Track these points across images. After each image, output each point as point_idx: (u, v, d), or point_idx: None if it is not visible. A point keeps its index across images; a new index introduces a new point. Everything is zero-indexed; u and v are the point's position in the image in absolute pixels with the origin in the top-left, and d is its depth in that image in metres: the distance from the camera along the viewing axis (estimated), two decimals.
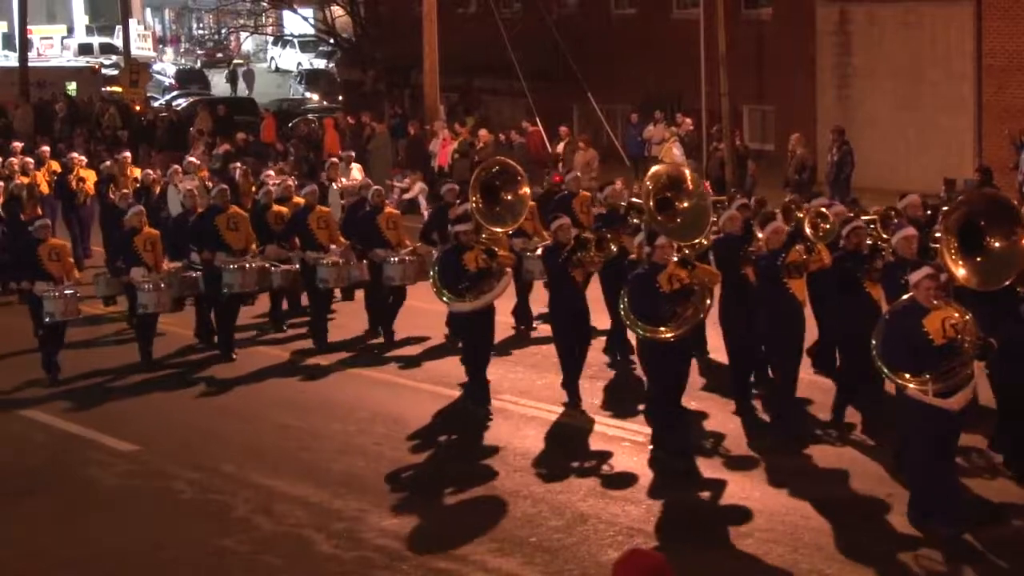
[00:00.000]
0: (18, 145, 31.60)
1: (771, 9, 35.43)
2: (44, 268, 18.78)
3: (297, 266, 20.40)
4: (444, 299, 16.98)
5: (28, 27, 54.03)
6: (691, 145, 31.62)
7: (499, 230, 17.40)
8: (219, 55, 71.23)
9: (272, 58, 71.26)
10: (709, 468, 14.60)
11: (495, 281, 16.73)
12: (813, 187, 27.59)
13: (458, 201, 20.19)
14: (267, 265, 20.12)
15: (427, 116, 35.33)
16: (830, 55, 33.50)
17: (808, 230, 16.01)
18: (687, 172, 15.79)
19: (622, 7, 39.99)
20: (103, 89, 50.14)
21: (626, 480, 14.30)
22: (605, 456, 15.10)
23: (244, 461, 15.38)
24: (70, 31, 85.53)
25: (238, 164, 27.87)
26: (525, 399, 17.25)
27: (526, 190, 17.64)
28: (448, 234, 19.27)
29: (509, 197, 17.38)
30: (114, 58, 64.43)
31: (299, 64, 65.04)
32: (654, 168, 16.52)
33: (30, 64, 50.41)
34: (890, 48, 32.04)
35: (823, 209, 16.72)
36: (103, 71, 55.02)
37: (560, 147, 32.13)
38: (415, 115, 37.94)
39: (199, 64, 70.66)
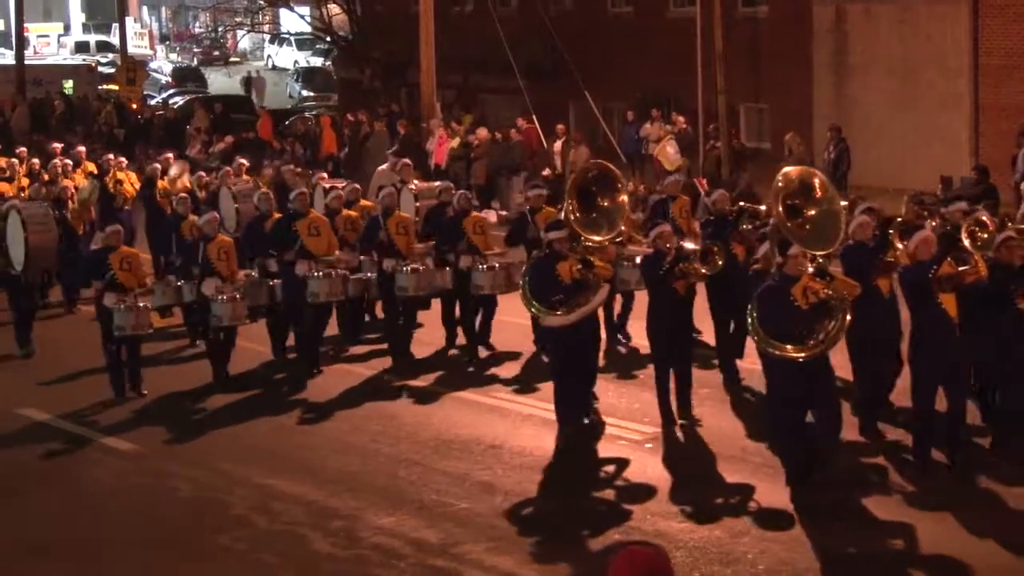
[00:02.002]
0: (58, 146, 30.05)
1: (767, 7, 35.43)
2: (115, 278, 17.72)
3: (371, 275, 19.31)
4: (535, 311, 15.96)
5: (24, 25, 54.01)
6: (688, 143, 31.61)
7: (595, 238, 16.13)
8: (216, 53, 71.19)
9: (269, 56, 71.20)
10: (706, 466, 14.60)
11: (591, 294, 15.49)
12: None
13: (531, 194, 19.63)
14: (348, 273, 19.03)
15: (424, 114, 35.32)
16: (826, 53, 33.50)
17: (966, 240, 14.59)
18: (818, 177, 14.50)
19: (618, 5, 39.96)
20: (100, 87, 50.13)
21: (624, 478, 14.30)
22: (602, 455, 15.10)
23: (241, 459, 15.38)
24: (67, 29, 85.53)
25: (290, 165, 26.77)
26: (522, 396, 17.24)
27: (624, 197, 16.69)
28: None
29: (606, 203, 16.34)
30: (111, 56, 64.42)
31: (296, 62, 64.99)
32: (785, 169, 14.99)
33: (26, 62, 50.42)
34: (886, 46, 32.04)
35: (984, 217, 15.30)
36: (100, 69, 54.99)
37: (557, 145, 32.12)
38: (412, 113, 37.94)
39: (196, 62, 70.61)
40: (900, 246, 15.05)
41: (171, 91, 54.77)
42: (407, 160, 24.79)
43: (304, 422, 16.65)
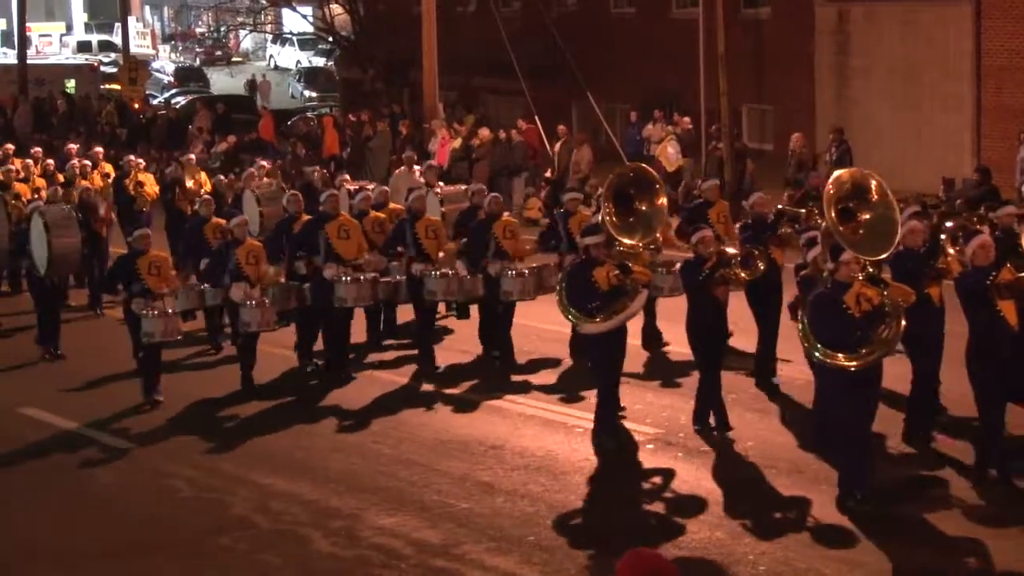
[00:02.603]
0: (73, 147, 29.69)
1: (770, 8, 35.44)
2: (144, 282, 17.35)
3: (399, 278, 18.98)
4: (571, 318, 15.50)
5: (27, 24, 54.03)
6: (690, 144, 31.61)
7: (629, 242, 15.91)
8: (218, 53, 71.23)
9: (271, 56, 71.25)
10: (703, 470, 14.60)
11: (629, 300, 15.14)
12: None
13: (567, 197, 19.19)
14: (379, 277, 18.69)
15: (426, 114, 35.32)
16: (829, 54, 33.50)
17: None
18: (873, 180, 14.02)
19: (621, 6, 39.98)
20: (102, 87, 50.14)
21: (624, 480, 14.30)
22: (604, 456, 15.08)
23: (242, 459, 15.39)
24: (69, 29, 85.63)
25: (317, 167, 26.25)
26: (523, 397, 17.24)
27: (663, 200, 16.42)
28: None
29: (644, 207, 16.14)
30: (113, 56, 64.45)
31: (298, 62, 65.03)
32: (837, 172, 14.59)
33: (29, 62, 50.42)
34: (889, 47, 32.03)
35: None
36: (102, 69, 55.01)
37: (557, 146, 32.13)
38: (414, 113, 37.94)
39: (198, 62, 70.65)
40: (952, 252, 14.80)
41: (173, 91, 54.81)
42: (432, 162, 24.29)
43: (305, 422, 16.64)
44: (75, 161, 25.76)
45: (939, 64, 30.90)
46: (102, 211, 22.60)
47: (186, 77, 61.21)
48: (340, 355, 18.46)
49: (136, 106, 43.68)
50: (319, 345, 18.90)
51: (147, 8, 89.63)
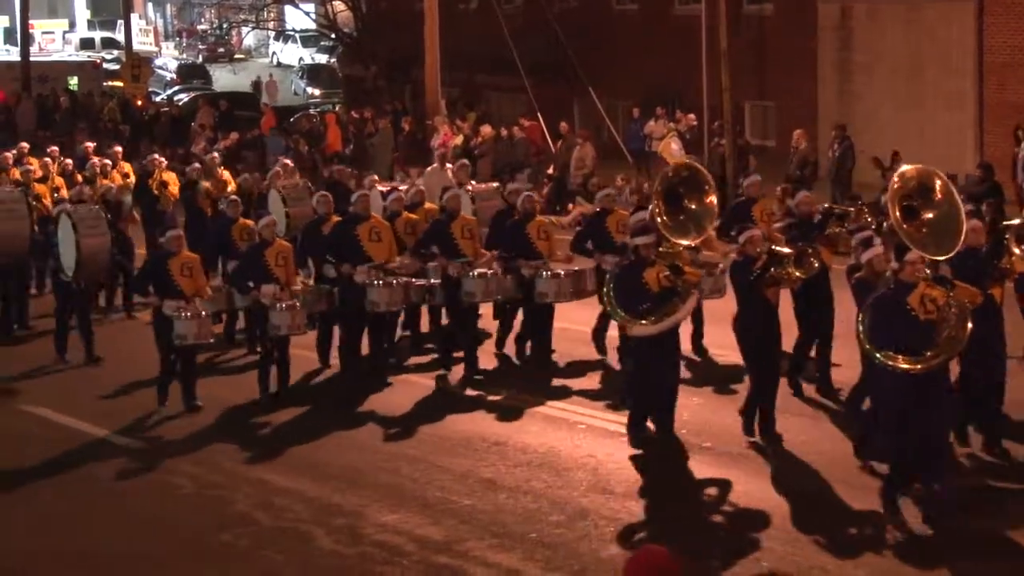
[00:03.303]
0: (90, 146, 28.93)
1: (773, 5, 35.43)
2: (175, 284, 16.85)
3: (433, 281, 18.50)
4: (620, 320, 15.19)
5: (30, 21, 54.06)
6: (692, 141, 31.61)
7: (683, 242, 15.62)
8: (221, 50, 71.24)
9: (274, 53, 71.26)
10: (707, 464, 14.59)
11: (680, 302, 14.78)
12: (815, 183, 27.59)
13: (601, 195, 18.76)
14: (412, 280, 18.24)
15: (428, 111, 35.32)
16: (831, 51, 33.49)
17: None
18: (939, 177, 13.72)
19: (623, 2, 39.98)
20: (104, 84, 50.14)
21: (627, 476, 14.30)
22: (606, 452, 15.09)
23: (244, 456, 15.39)
24: (72, 26, 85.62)
25: (341, 166, 25.75)
26: (525, 394, 17.22)
27: (712, 198, 15.99)
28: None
29: (693, 206, 15.76)
30: (116, 53, 64.47)
31: (300, 59, 65.04)
32: (903, 168, 14.31)
33: (32, 59, 50.43)
34: (891, 44, 32.02)
35: None
36: (105, 66, 55.02)
37: (559, 143, 32.15)
38: (416, 110, 37.95)
39: (201, 59, 70.67)
40: (1018, 251, 14.53)
41: (176, 88, 54.80)
42: (465, 161, 23.80)
43: (306, 420, 16.63)
44: (95, 160, 25.24)
45: (942, 61, 30.89)
46: (124, 210, 22.14)
47: (189, 74, 61.18)
48: (379, 361, 18.03)
49: (139, 103, 43.70)
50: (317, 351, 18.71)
51: (150, 5, 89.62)
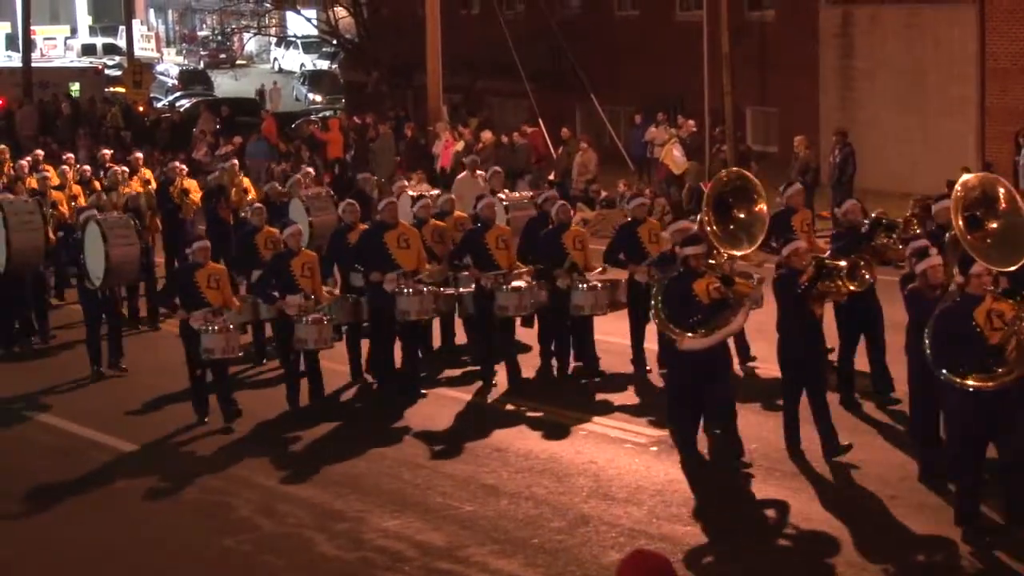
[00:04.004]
0: (107, 152, 28.53)
1: (774, 11, 35.45)
2: (203, 297, 16.48)
3: (462, 290, 18.13)
4: (670, 334, 14.46)
5: (31, 28, 54.11)
6: (694, 147, 31.62)
7: (735, 253, 15.08)
8: (222, 56, 71.30)
9: (275, 59, 71.31)
10: (710, 471, 14.58)
11: (732, 314, 14.19)
12: (816, 189, 27.60)
13: (632, 204, 18.17)
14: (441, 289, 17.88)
15: (430, 117, 35.34)
16: (833, 57, 33.51)
17: None
18: (1002, 185, 13.25)
19: (625, 8, 40.01)
20: (106, 90, 50.19)
21: (628, 482, 14.29)
22: (607, 458, 15.08)
23: (247, 462, 15.38)
24: (73, 32, 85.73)
25: (367, 174, 25.34)
26: (527, 400, 17.21)
27: (763, 207, 15.35)
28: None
29: (743, 215, 15.18)
30: (117, 59, 64.52)
31: (302, 65, 65.08)
32: (965, 177, 13.78)
33: (33, 65, 50.47)
34: (893, 50, 32.04)
35: None
36: (106, 72, 55.07)
37: (559, 149, 32.17)
38: (418, 116, 37.97)
39: (202, 65, 70.71)
40: None
41: (178, 94, 54.85)
42: (498, 168, 23.04)
43: (308, 426, 16.60)
44: (116, 167, 24.72)
45: (944, 67, 30.90)
46: (147, 219, 21.58)
47: (190, 80, 61.26)
48: (414, 372, 17.65)
49: (140, 109, 43.74)
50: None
51: (151, 11, 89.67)
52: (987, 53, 30.12)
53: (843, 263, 14.45)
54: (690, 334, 14.13)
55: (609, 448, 15.39)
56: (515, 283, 17.49)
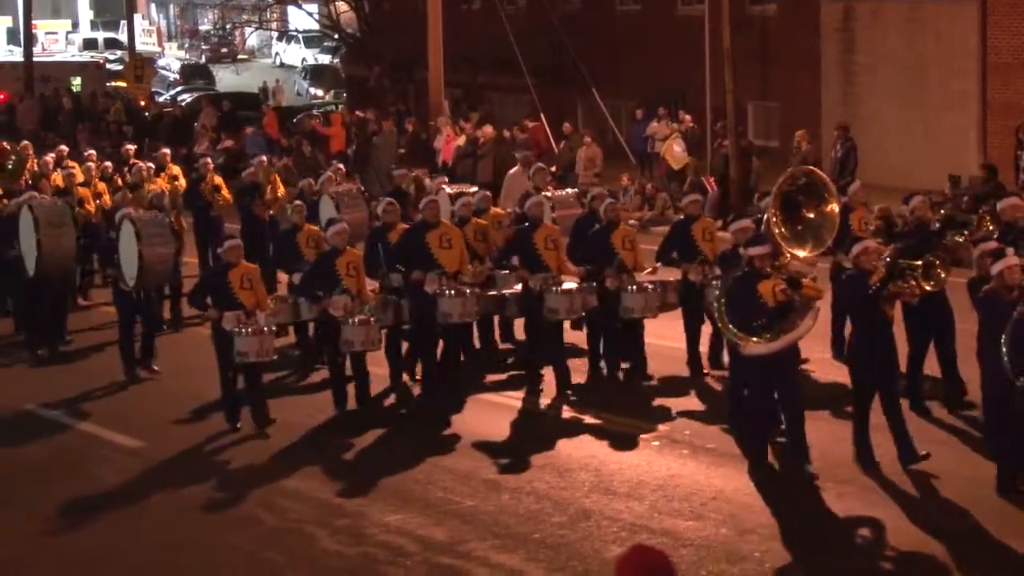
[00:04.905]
0: (131, 148, 28.11)
1: (776, 5, 35.43)
2: (235, 297, 15.90)
3: (507, 292, 17.65)
4: (733, 337, 14.01)
5: (33, 22, 54.12)
6: (695, 141, 31.62)
7: (802, 254, 14.34)
8: (224, 50, 71.29)
9: (277, 54, 71.29)
10: (710, 467, 14.58)
11: (799, 318, 13.64)
12: None
13: (687, 201, 17.68)
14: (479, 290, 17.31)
15: (431, 112, 35.34)
16: (835, 52, 33.49)
17: None
18: None
19: (626, 3, 40.00)
20: (108, 84, 50.21)
21: (629, 477, 14.29)
22: (609, 453, 15.09)
23: (248, 457, 15.39)
24: (75, 26, 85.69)
25: (404, 170, 24.42)
26: (530, 395, 17.20)
27: (834, 206, 14.47)
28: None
29: (812, 215, 14.35)
30: (119, 53, 64.52)
31: (304, 60, 65.06)
32: None
33: (35, 59, 50.50)
34: (895, 45, 32.02)
35: None
36: (108, 66, 55.07)
37: (561, 144, 32.14)
38: (419, 111, 37.97)
39: (204, 59, 70.72)
40: None
41: (179, 88, 54.84)
42: (542, 164, 22.19)
43: (310, 420, 16.61)
44: (141, 164, 24.15)
45: (945, 61, 30.88)
46: (172, 217, 20.65)
47: (192, 75, 61.25)
48: (455, 376, 17.21)
49: (142, 104, 43.75)
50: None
51: (153, 6, 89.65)
52: (988, 48, 30.10)
53: (918, 262, 13.89)
54: (755, 338, 13.64)
55: (610, 443, 15.37)
56: (566, 285, 16.97)
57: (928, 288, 13.83)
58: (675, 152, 30.82)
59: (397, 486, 14.26)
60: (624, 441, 15.38)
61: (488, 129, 32.60)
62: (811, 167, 14.82)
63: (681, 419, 15.96)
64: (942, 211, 16.40)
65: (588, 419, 16.22)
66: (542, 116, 33.97)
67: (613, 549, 12.38)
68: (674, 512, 13.30)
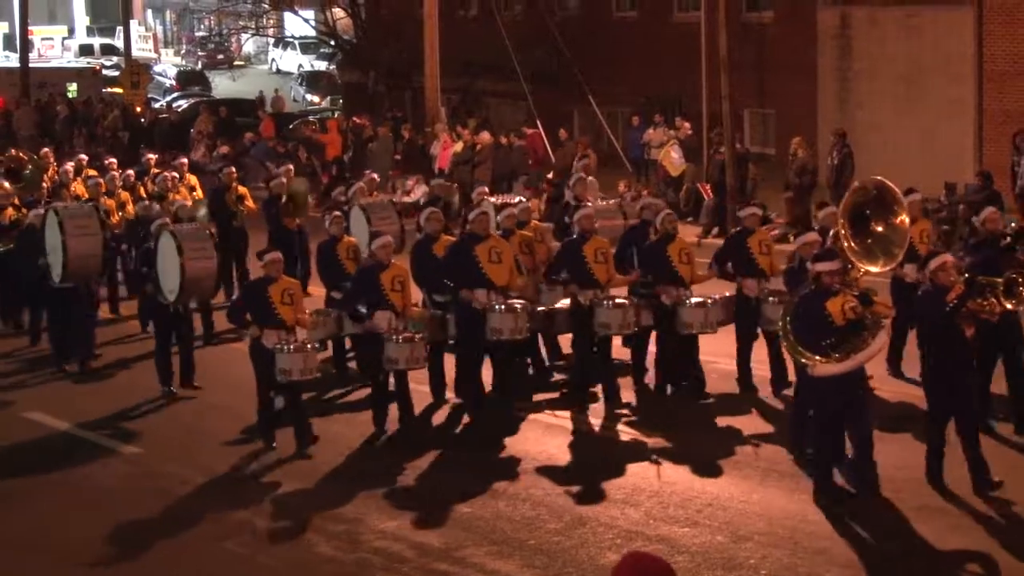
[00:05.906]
0: (152, 157, 27.51)
1: (772, 12, 35.46)
2: (276, 313, 15.29)
3: (556, 306, 17.24)
4: (800, 357, 13.42)
5: (29, 28, 54.12)
6: (692, 148, 31.63)
7: (875, 269, 13.87)
8: (220, 57, 71.27)
9: (273, 60, 71.28)
10: (709, 473, 14.58)
11: (870, 336, 13.09)
12: (814, 191, 27.60)
13: (744, 213, 17.00)
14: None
15: (428, 118, 35.36)
16: (831, 58, 33.50)
17: None
18: None
19: (623, 10, 40.01)
20: (104, 90, 50.21)
21: (625, 483, 14.29)
22: (605, 459, 15.08)
23: (245, 463, 15.37)
24: (71, 32, 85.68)
25: (441, 180, 23.98)
26: (525, 403, 17.19)
27: (904, 219, 13.92)
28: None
29: (880, 228, 13.81)
30: (115, 59, 64.50)
31: (300, 66, 65.07)
32: None
33: (31, 65, 50.50)
34: (891, 52, 32.04)
35: None
36: (104, 72, 55.07)
37: (558, 150, 32.16)
38: (416, 117, 37.99)
39: (200, 66, 70.70)
40: None
41: (175, 94, 54.83)
42: (583, 175, 21.41)
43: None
44: (166, 174, 23.63)
45: (941, 68, 30.90)
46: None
47: (188, 81, 61.24)
48: (507, 392, 16.71)
49: (138, 110, 43.74)
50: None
51: (149, 12, 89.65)
52: (985, 55, 30.11)
53: (998, 279, 13.40)
54: (822, 359, 13.15)
55: (606, 450, 15.38)
56: (618, 299, 16.50)
57: (1009, 306, 13.39)
58: (673, 159, 30.83)
59: (393, 492, 14.24)
60: (620, 447, 15.37)
61: (485, 136, 32.61)
62: (881, 179, 14.38)
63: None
64: (1012, 224, 15.90)
65: (584, 427, 16.21)
66: (539, 123, 33.99)
67: (608, 555, 12.38)
68: (670, 519, 13.30)
